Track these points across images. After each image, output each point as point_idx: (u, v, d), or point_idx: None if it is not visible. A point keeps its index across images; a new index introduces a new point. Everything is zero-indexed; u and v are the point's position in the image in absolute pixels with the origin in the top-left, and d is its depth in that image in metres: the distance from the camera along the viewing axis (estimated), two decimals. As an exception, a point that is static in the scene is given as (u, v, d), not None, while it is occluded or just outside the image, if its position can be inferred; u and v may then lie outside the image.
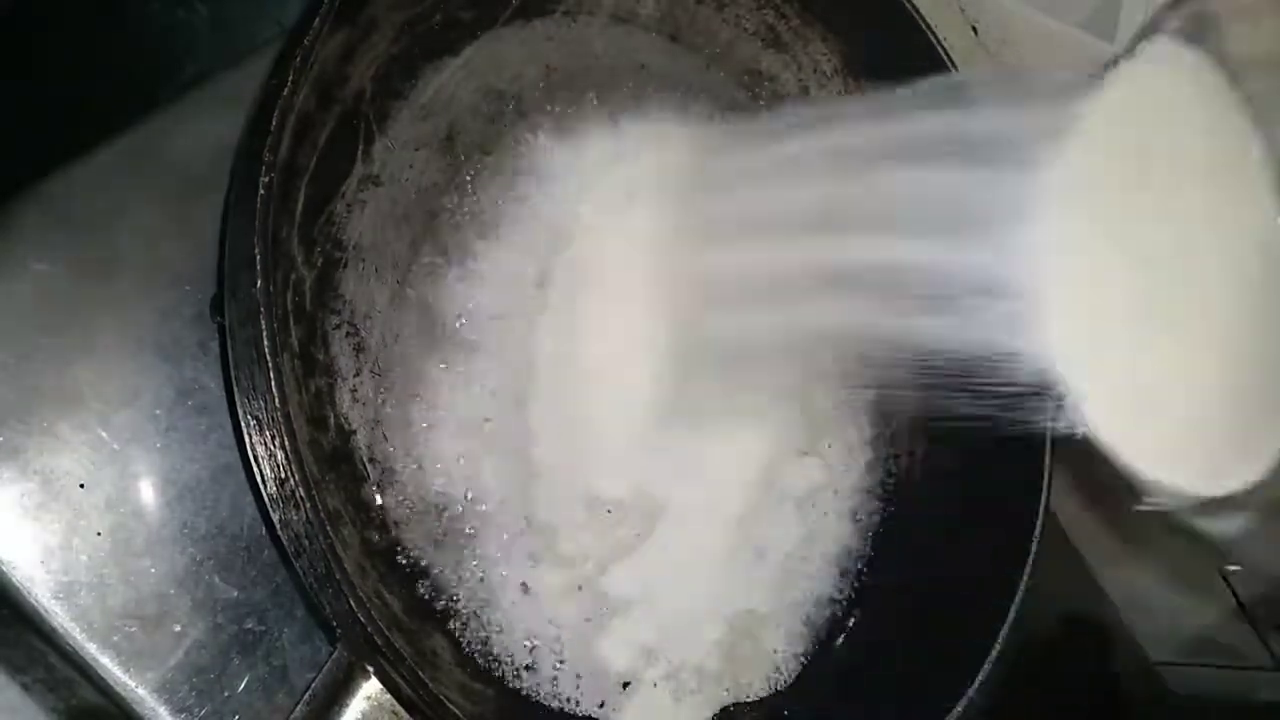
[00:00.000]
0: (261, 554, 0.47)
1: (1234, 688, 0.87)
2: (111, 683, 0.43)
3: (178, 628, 0.45)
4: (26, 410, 0.44)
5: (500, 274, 0.53)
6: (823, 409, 0.63)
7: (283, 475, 0.39)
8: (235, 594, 0.46)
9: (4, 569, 0.42)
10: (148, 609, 0.44)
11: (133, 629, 0.44)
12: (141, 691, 0.44)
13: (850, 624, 0.61)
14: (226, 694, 0.45)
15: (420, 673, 0.40)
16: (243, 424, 0.40)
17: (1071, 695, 0.81)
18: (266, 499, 0.40)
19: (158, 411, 0.46)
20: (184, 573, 0.45)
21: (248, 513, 0.47)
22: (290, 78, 0.41)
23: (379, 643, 0.39)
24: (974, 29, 0.65)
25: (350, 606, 0.39)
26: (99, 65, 0.61)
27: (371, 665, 0.40)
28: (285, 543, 0.40)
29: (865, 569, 0.62)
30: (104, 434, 0.45)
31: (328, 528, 0.40)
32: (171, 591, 0.45)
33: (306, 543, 0.39)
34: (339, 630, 0.40)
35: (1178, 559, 0.81)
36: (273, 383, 0.39)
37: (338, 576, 0.39)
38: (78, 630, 0.43)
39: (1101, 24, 0.57)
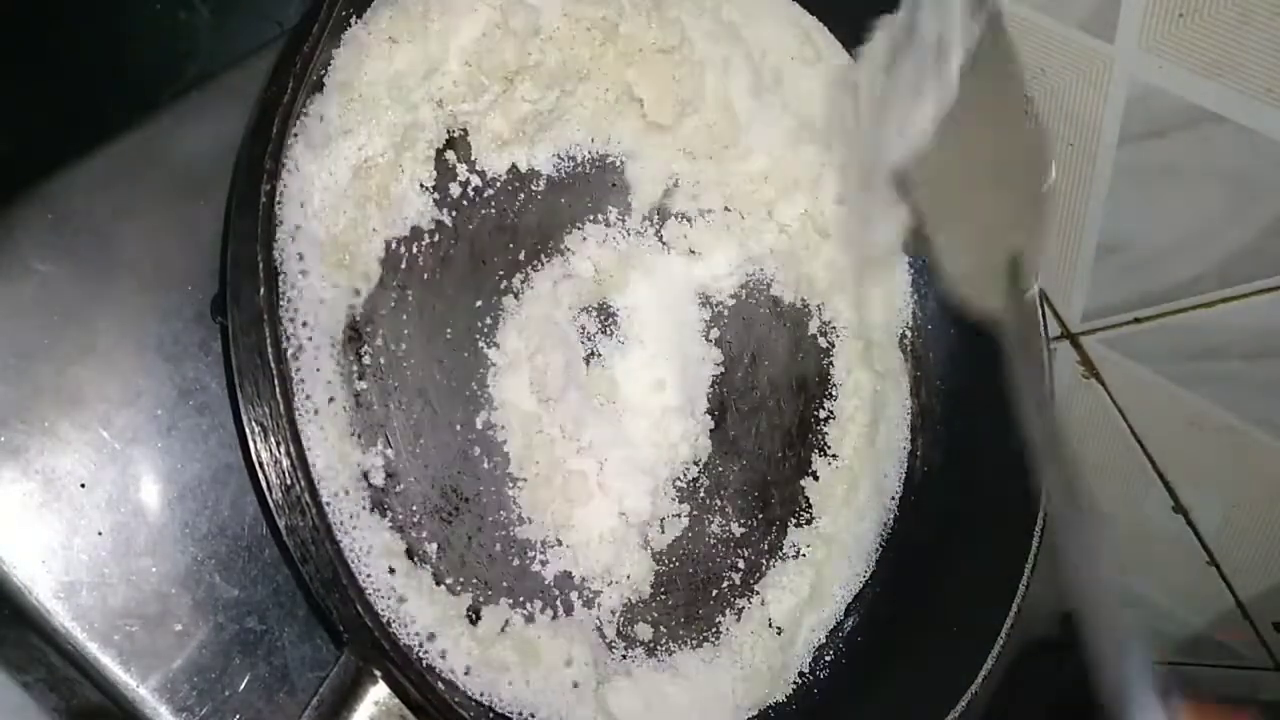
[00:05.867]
0: (262, 553, 0.47)
1: (1234, 688, 0.87)
2: (112, 682, 0.43)
3: (179, 627, 0.45)
4: (28, 410, 0.44)
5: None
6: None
7: (288, 482, 0.39)
8: (236, 593, 0.46)
9: (5, 569, 0.43)
10: (149, 608, 0.44)
11: (134, 628, 0.44)
12: (142, 691, 0.44)
13: (853, 624, 0.61)
14: (227, 693, 0.45)
15: (426, 677, 0.40)
16: (247, 431, 0.40)
17: (1071, 695, 0.81)
18: (272, 505, 0.40)
19: (159, 411, 0.47)
20: (185, 572, 0.45)
21: (248, 512, 0.47)
22: (290, 84, 0.41)
23: (386, 647, 0.39)
24: (973, 29, 0.65)
25: (358, 611, 0.39)
26: (100, 65, 0.61)
27: (379, 669, 0.40)
28: (291, 548, 0.40)
29: (869, 570, 0.62)
30: (105, 434, 0.45)
31: (334, 533, 0.41)
32: (172, 591, 0.45)
33: (313, 548, 0.39)
34: (347, 635, 0.40)
35: (1175, 559, 0.81)
36: (277, 390, 0.38)
37: (344, 582, 0.39)
38: (79, 630, 0.43)
39: (1101, 24, 0.57)
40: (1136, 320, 0.70)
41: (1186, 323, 0.67)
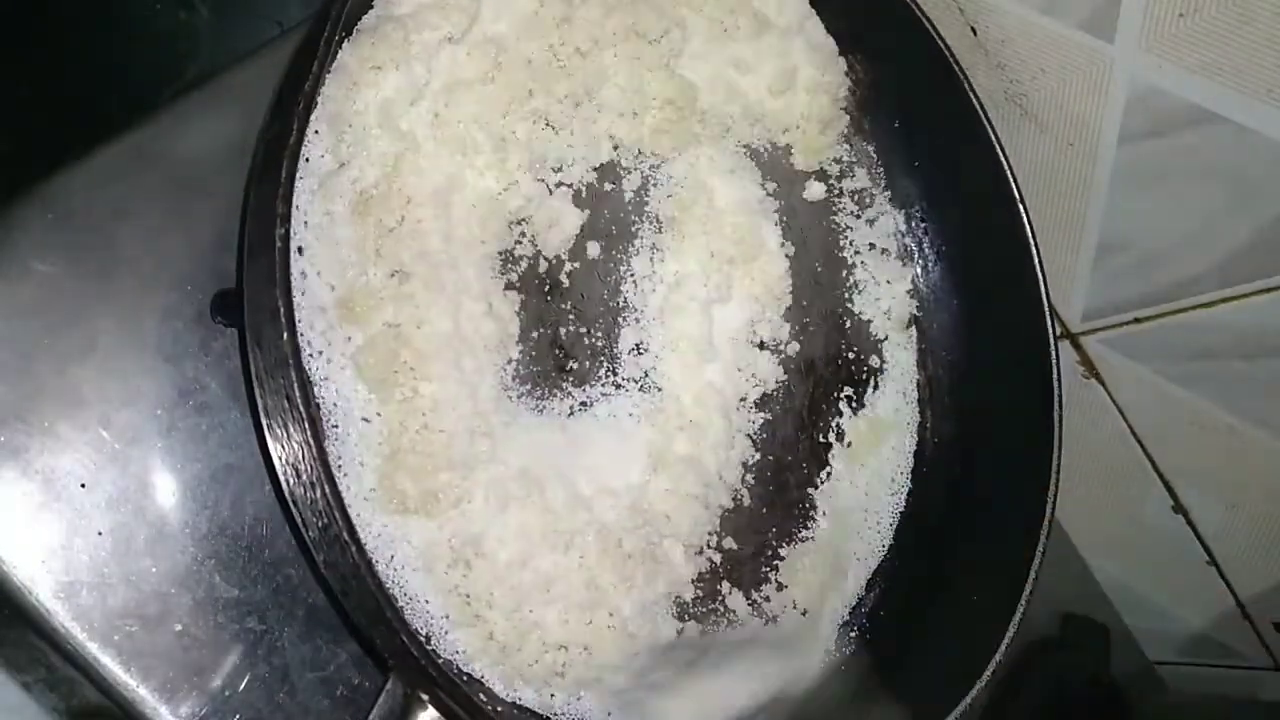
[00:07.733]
0: (262, 553, 0.47)
1: (1234, 688, 0.87)
2: (112, 682, 0.43)
3: (179, 627, 0.45)
4: (28, 410, 0.44)
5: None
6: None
7: (324, 521, 0.39)
8: (236, 593, 0.46)
9: (5, 569, 0.43)
10: (149, 608, 0.44)
11: (134, 628, 0.44)
12: (142, 691, 0.44)
13: (874, 599, 0.61)
14: (228, 693, 0.45)
15: (474, 699, 0.40)
16: (279, 472, 0.40)
17: (1071, 695, 0.81)
18: (309, 543, 0.40)
19: (159, 411, 0.47)
20: (185, 572, 0.45)
21: (249, 512, 0.47)
22: (294, 124, 0.41)
23: (434, 674, 0.39)
24: (973, 29, 0.65)
25: (403, 641, 0.39)
26: (100, 65, 0.61)
27: (428, 695, 0.40)
28: (332, 583, 0.40)
29: (886, 545, 0.63)
30: (105, 434, 0.45)
31: (375, 567, 0.40)
32: (172, 591, 0.45)
33: (354, 583, 0.39)
34: (392, 662, 0.40)
35: (1175, 559, 0.82)
36: (309, 434, 0.38)
37: (389, 614, 0.39)
38: (79, 630, 0.43)
39: (1101, 24, 0.57)
40: (1136, 320, 0.70)
41: (1186, 323, 0.67)
